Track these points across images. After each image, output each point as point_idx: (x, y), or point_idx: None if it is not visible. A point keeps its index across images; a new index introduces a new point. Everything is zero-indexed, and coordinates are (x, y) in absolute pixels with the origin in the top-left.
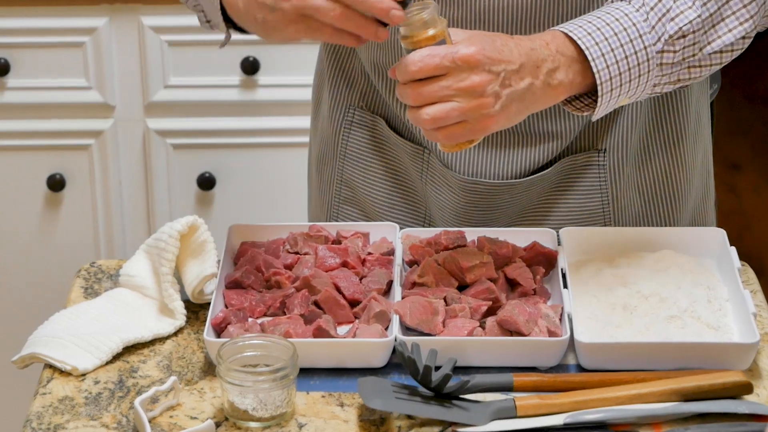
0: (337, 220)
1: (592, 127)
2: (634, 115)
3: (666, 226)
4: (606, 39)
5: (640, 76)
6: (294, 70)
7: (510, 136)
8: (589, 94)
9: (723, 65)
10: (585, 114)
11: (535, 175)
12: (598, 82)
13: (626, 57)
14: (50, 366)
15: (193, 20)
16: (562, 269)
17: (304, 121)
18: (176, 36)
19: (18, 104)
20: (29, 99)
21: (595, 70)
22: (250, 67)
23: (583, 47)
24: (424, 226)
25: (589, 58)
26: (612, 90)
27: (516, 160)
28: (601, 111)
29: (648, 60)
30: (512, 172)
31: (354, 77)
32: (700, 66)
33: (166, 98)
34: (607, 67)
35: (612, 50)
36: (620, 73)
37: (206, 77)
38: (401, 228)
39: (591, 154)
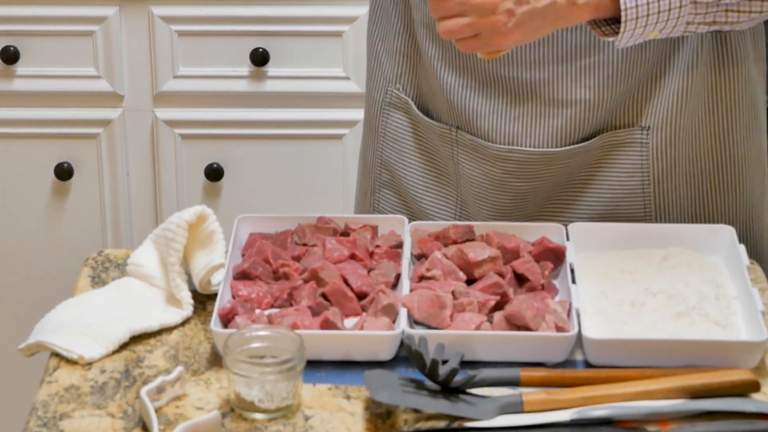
0: (378, 206)
1: (633, 102)
2: (681, 94)
3: (714, 220)
4: None
5: (670, 9)
6: (303, 62)
7: (542, 103)
8: (619, 20)
9: (763, 16)
10: (610, 39)
11: (573, 147)
12: (622, 6)
13: None
14: (56, 354)
15: (203, 11)
16: (570, 265)
17: (314, 113)
18: (186, 26)
19: (27, 92)
20: (38, 87)
21: None
22: (260, 58)
23: None
24: (455, 210)
25: None
26: (637, 18)
27: (551, 128)
28: (625, 39)
29: None
30: (549, 141)
31: (392, 57)
32: (738, 11)
33: (175, 88)
34: None
35: None
36: (648, 2)
37: (215, 68)
38: (431, 212)
39: (633, 131)
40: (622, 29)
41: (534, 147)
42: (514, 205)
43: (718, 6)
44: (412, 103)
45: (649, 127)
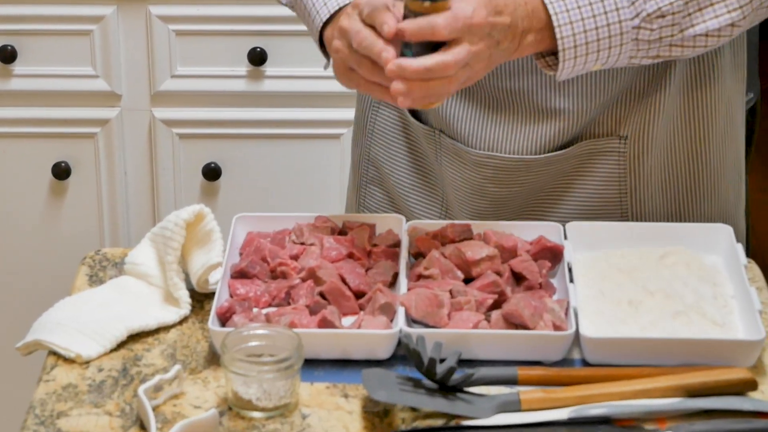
0: (365, 202)
1: (612, 111)
2: (658, 104)
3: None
4: (579, 7)
5: (611, 48)
6: (301, 61)
7: (522, 111)
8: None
9: (710, 48)
10: (551, 73)
11: (551, 154)
12: (560, 48)
13: (596, 28)
14: (54, 353)
15: (201, 10)
16: (568, 263)
17: (311, 113)
18: (184, 25)
19: (24, 92)
20: (36, 86)
21: (558, 36)
22: (258, 57)
23: (551, 12)
24: (440, 210)
25: (555, 23)
26: (576, 57)
27: (529, 135)
28: (565, 74)
29: (621, 33)
30: (527, 148)
31: None
32: (682, 46)
33: (172, 88)
34: (573, 35)
35: (582, 19)
36: (587, 43)
37: (213, 67)
38: (416, 210)
39: (612, 140)
40: (560, 67)
41: (512, 154)
42: (492, 210)
43: (661, 42)
44: None
45: (627, 136)
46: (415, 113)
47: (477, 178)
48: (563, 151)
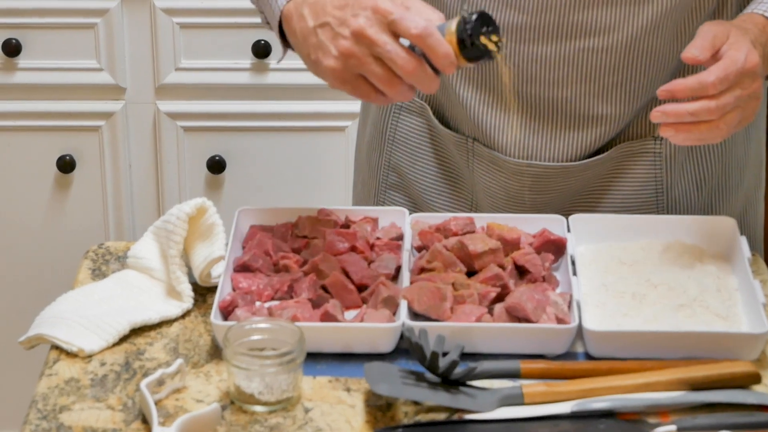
0: (383, 206)
1: (646, 113)
2: None
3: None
4: None
5: None
6: None
7: (563, 118)
8: None
9: None
10: None
11: (589, 160)
12: None
13: None
14: (56, 347)
15: (205, 3)
16: (571, 256)
17: (316, 105)
18: (188, 18)
19: (29, 85)
20: (40, 80)
21: None
22: (262, 50)
23: None
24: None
25: None
26: None
27: (569, 142)
28: None
29: None
30: (566, 155)
31: None
32: None
33: (177, 81)
34: None
35: None
36: None
37: (217, 60)
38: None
39: (647, 142)
40: None
41: (552, 161)
42: None
43: None
44: (429, 109)
45: (661, 137)
46: (443, 120)
47: (515, 186)
48: (601, 155)
